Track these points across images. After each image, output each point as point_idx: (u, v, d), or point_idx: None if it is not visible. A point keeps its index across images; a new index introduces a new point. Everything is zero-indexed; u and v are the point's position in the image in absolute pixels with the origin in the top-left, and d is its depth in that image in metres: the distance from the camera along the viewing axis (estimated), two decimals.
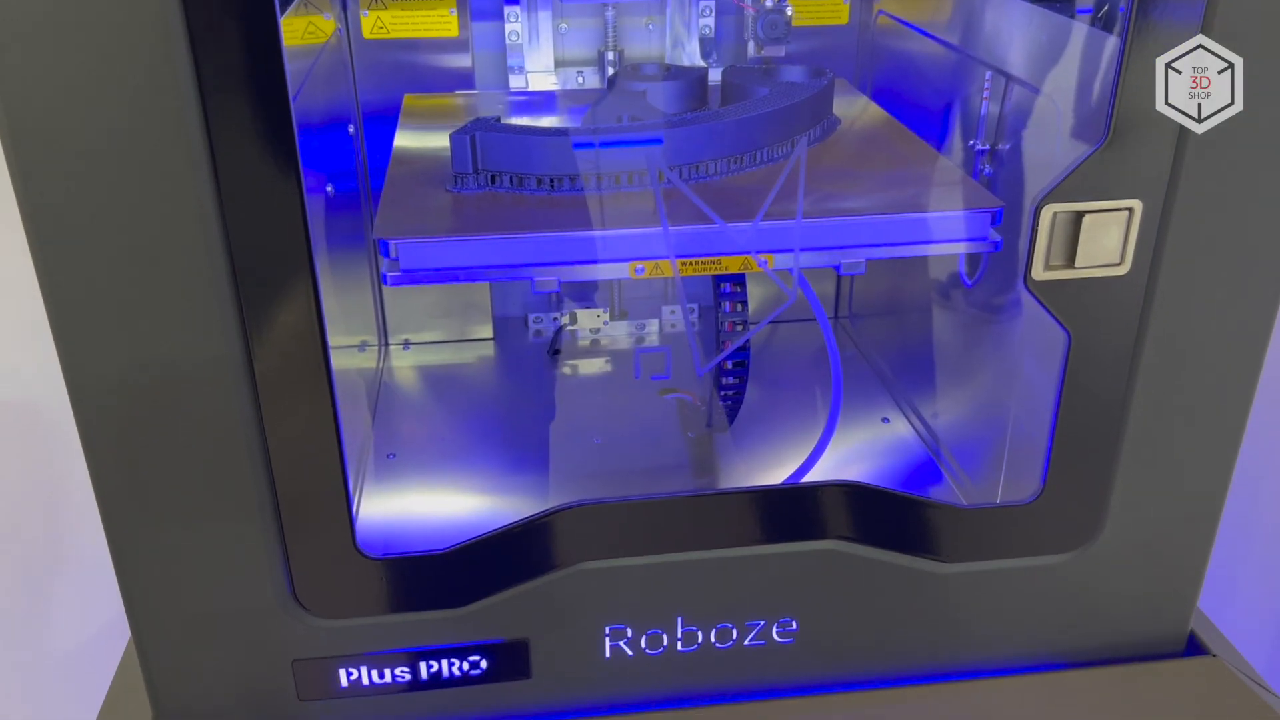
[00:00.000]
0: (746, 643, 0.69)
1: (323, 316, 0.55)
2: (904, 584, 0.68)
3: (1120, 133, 0.57)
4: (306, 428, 0.58)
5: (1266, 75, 0.56)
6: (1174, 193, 0.58)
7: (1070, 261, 0.59)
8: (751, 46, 0.95)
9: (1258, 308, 0.63)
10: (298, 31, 0.71)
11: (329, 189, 0.76)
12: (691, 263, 0.67)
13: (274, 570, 0.61)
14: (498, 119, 0.74)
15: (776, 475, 0.83)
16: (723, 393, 0.86)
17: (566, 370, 1.02)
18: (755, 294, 0.84)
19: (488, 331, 1.06)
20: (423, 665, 0.66)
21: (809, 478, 0.78)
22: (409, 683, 0.66)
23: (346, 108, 0.91)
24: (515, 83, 0.96)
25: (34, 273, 0.52)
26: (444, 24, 0.93)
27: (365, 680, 0.66)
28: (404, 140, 0.82)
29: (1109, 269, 0.60)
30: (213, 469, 0.58)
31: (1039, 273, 0.60)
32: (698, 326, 1.07)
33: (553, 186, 0.71)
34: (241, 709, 0.66)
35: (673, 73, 0.84)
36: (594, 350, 1.05)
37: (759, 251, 0.67)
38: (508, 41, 0.95)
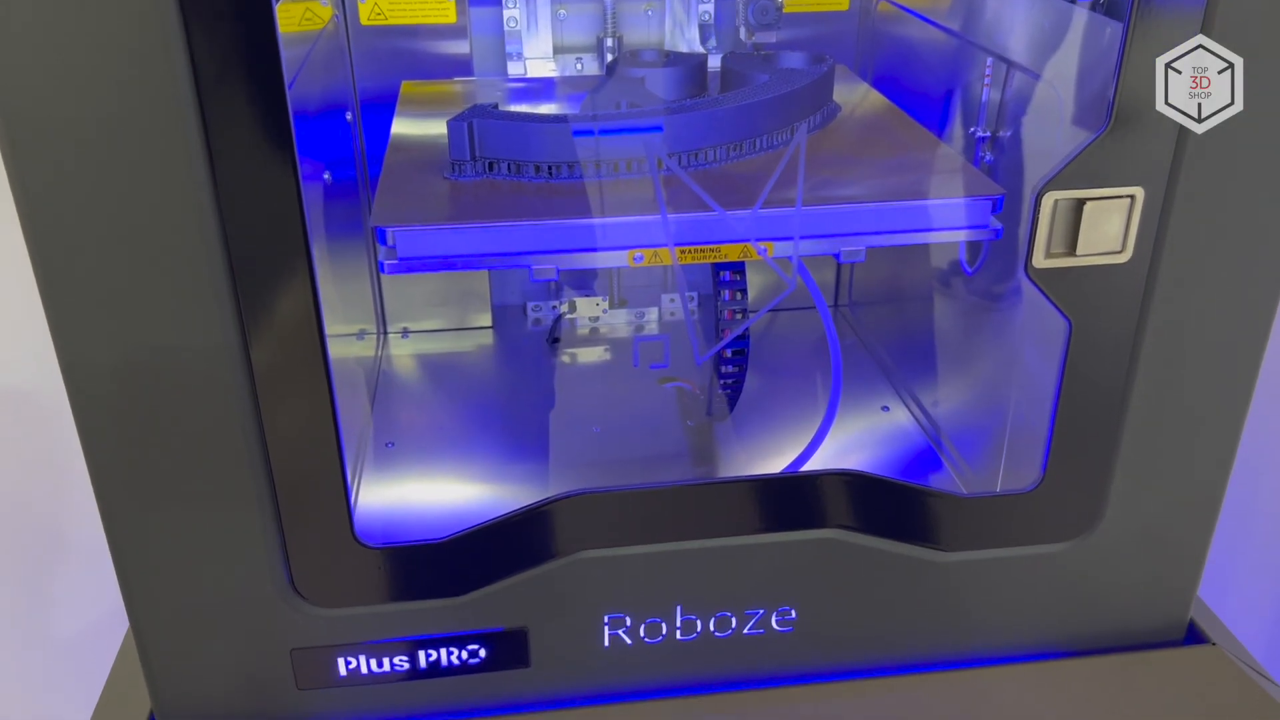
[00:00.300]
0: (746, 631, 0.69)
1: (320, 305, 0.55)
2: (903, 573, 0.68)
3: (1122, 119, 0.56)
4: (304, 417, 0.57)
5: (1268, 69, 0.55)
6: (1176, 180, 0.58)
7: (1071, 249, 0.59)
8: (742, 32, 0.94)
9: (1260, 296, 0.62)
10: (294, 18, 0.71)
11: (326, 176, 0.76)
12: (691, 250, 0.67)
13: (272, 559, 0.61)
14: (496, 106, 0.74)
15: (776, 464, 0.82)
16: (722, 381, 0.86)
17: (565, 359, 1.02)
18: (755, 282, 0.84)
19: (487, 320, 1.06)
20: (422, 654, 0.66)
21: (809, 466, 0.78)
22: (408, 672, 0.66)
23: (344, 95, 0.91)
24: (514, 69, 0.96)
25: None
26: (442, 10, 0.92)
27: (364, 669, 0.66)
28: (401, 127, 0.81)
29: (1110, 257, 0.60)
30: (210, 458, 0.58)
31: (1040, 260, 0.59)
32: (697, 315, 1.06)
33: (551, 174, 0.70)
34: (240, 698, 0.66)
35: (672, 59, 0.84)
36: (593, 338, 1.05)
37: (758, 239, 0.67)
38: (506, 28, 0.94)
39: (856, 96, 0.88)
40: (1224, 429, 0.66)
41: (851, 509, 0.67)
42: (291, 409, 0.57)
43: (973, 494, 0.77)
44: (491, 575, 0.64)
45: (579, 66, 0.98)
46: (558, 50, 0.96)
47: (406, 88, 0.91)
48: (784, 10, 0.93)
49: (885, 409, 0.94)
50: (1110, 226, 0.59)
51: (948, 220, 0.69)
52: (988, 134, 0.76)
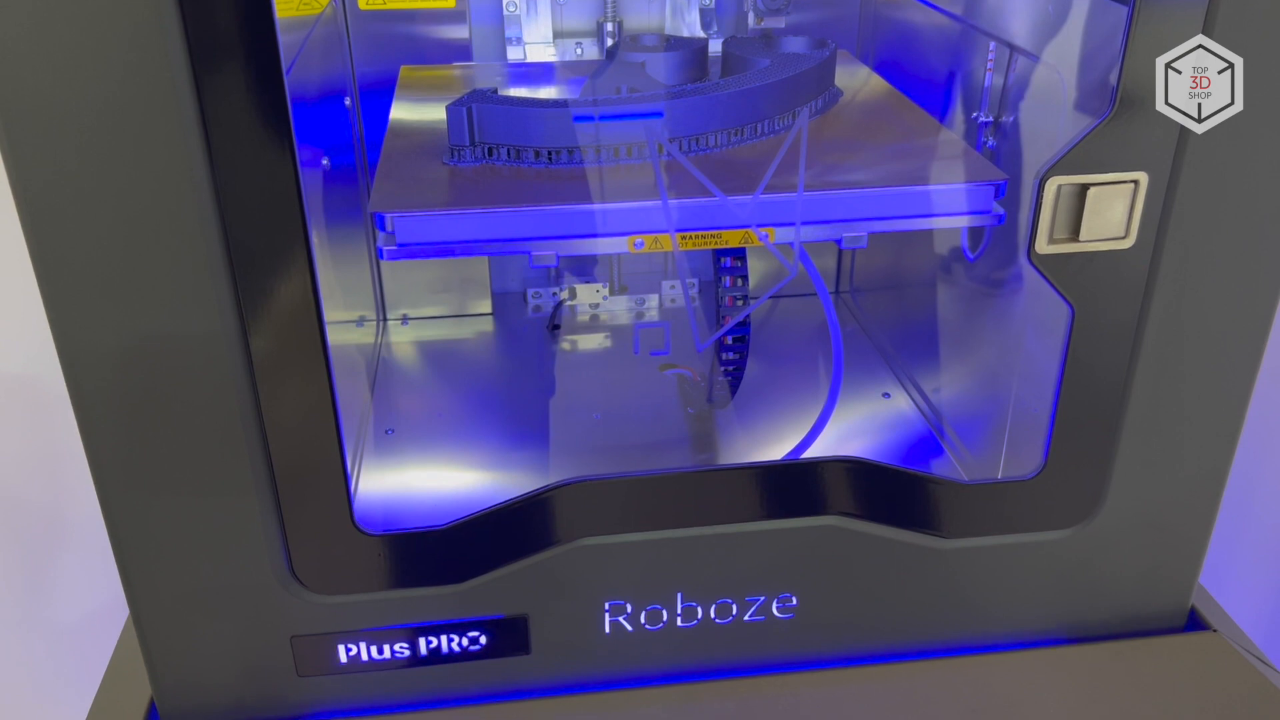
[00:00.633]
0: (746, 618, 0.69)
1: (318, 292, 0.55)
2: (904, 560, 0.68)
3: (1126, 104, 0.56)
4: (303, 404, 0.57)
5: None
6: (1180, 165, 0.58)
7: (1074, 235, 0.59)
8: (751, 18, 0.94)
9: (1263, 282, 0.62)
10: (292, 2, 0.70)
11: (325, 162, 0.76)
12: (691, 236, 0.67)
13: (272, 547, 0.61)
14: (495, 91, 0.74)
15: (777, 451, 0.82)
16: (723, 368, 0.86)
17: (566, 346, 1.02)
18: (756, 268, 0.83)
19: (486, 306, 1.06)
20: (422, 641, 0.66)
21: (810, 453, 0.77)
22: (408, 658, 0.66)
23: (342, 80, 0.90)
24: (513, 54, 0.95)
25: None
26: None
27: (364, 656, 0.66)
28: (400, 113, 0.81)
29: (1113, 242, 0.59)
30: (209, 445, 0.57)
31: (1043, 246, 0.59)
32: (698, 302, 1.06)
33: (551, 159, 0.70)
34: (240, 685, 0.66)
35: (672, 44, 0.83)
36: (593, 325, 1.05)
37: (760, 225, 0.67)
38: (505, 12, 0.94)
39: (858, 81, 0.88)
40: (1226, 416, 0.66)
41: (852, 496, 0.67)
42: (291, 396, 0.57)
43: (974, 481, 0.77)
44: (492, 562, 0.64)
45: (579, 51, 0.97)
46: (557, 35, 0.96)
47: (405, 73, 0.90)
48: None
49: (886, 396, 0.94)
50: (1114, 212, 0.58)
51: (950, 206, 0.68)
52: (990, 119, 0.76)
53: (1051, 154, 0.58)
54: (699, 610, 0.68)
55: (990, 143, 0.76)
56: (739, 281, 0.79)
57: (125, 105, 0.49)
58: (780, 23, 0.92)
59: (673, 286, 1.06)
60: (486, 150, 0.71)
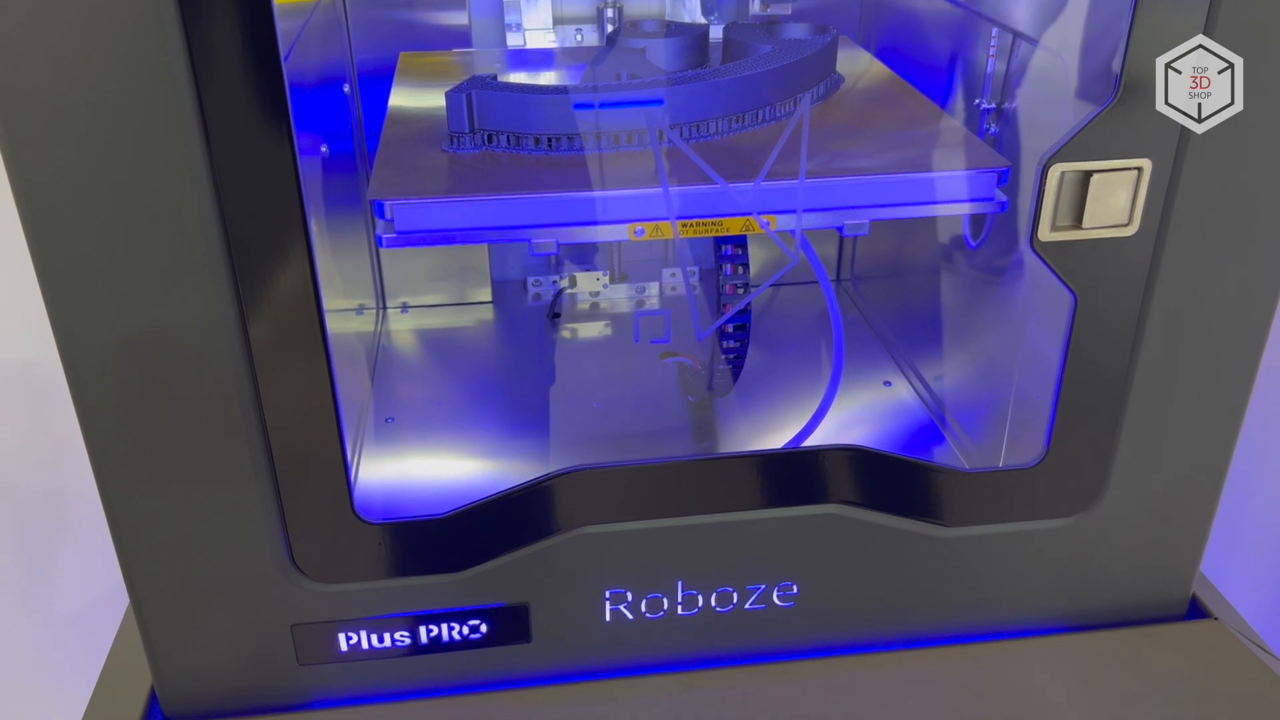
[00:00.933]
0: (747, 606, 0.69)
1: (317, 280, 0.55)
2: (905, 548, 0.68)
3: (1130, 90, 0.55)
4: (302, 393, 0.57)
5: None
6: (1184, 152, 0.57)
7: (1077, 222, 0.59)
8: (756, 3, 0.93)
9: (1266, 269, 0.62)
10: None
11: (324, 150, 0.75)
12: (692, 224, 0.66)
13: (272, 535, 0.61)
14: (494, 77, 0.73)
15: (778, 439, 0.82)
16: (723, 356, 0.85)
17: (566, 334, 1.01)
18: (757, 256, 0.83)
19: (486, 295, 1.06)
20: (422, 630, 0.66)
21: (810, 442, 0.77)
22: (409, 647, 0.66)
23: (341, 67, 0.90)
24: (513, 41, 0.94)
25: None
26: None
27: (365, 645, 0.66)
28: (399, 99, 0.81)
29: (1116, 230, 0.59)
30: (209, 435, 0.57)
31: (1045, 233, 0.59)
32: (698, 290, 1.06)
33: (551, 146, 0.69)
34: (241, 674, 0.66)
35: (673, 29, 0.83)
36: (594, 313, 1.04)
37: (761, 212, 0.66)
38: None
39: (860, 67, 0.87)
40: (1229, 404, 0.66)
41: (853, 484, 0.67)
42: (290, 384, 0.57)
43: (975, 469, 0.76)
44: (492, 551, 0.64)
45: (579, 38, 0.96)
46: (557, 21, 0.95)
47: (404, 59, 0.90)
48: None
49: (888, 384, 0.94)
50: (1117, 199, 0.58)
51: (952, 193, 0.68)
52: (993, 105, 0.75)
53: (1054, 141, 0.57)
54: (699, 599, 0.68)
55: (992, 129, 0.76)
56: (740, 269, 0.78)
57: (122, 93, 0.48)
58: (787, 9, 0.92)
59: (673, 274, 1.06)
60: (486, 137, 0.70)
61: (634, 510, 0.65)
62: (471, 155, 0.70)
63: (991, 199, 0.68)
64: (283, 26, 0.49)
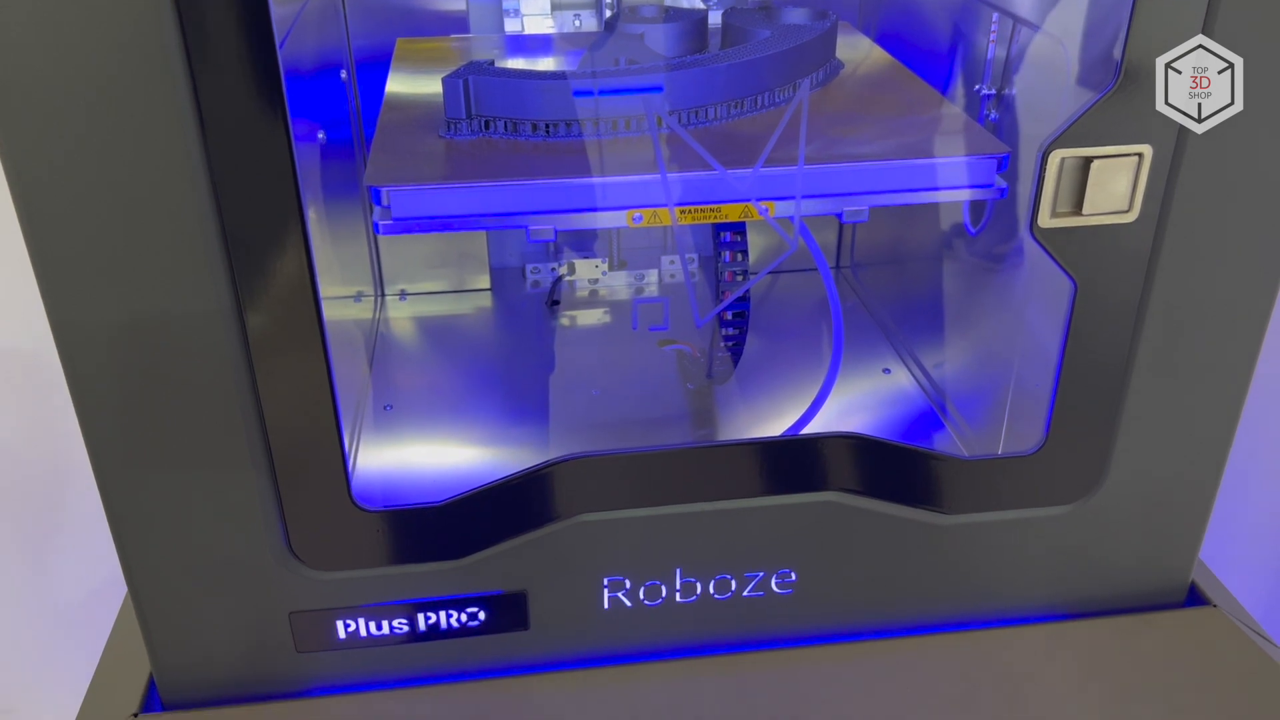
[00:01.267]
0: (745, 594, 0.69)
1: (314, 268, 0.54)
2: (904, 535, 0.68)
3: (1131, 76, 0.55)
4: (300, 380, 0.57)
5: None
6: (1185, 138, 0.57)
7: (1077, 208, 0.58)
8: None
9: (1267, 256, 0.62)
10: None
11: (320, 136, 0.75)
12: (691, 210, 0.66)
13: (269, 523, 0.61)
14: (492, 63, 0.73)
15: (777, 426, 0.82)
16: (723, 343, 0.85)
17: (565, 321, 1.01)
18: (756, 243, 0.83)
19: (485, 282, 1.05)
20: (421, 617, 0.66)
21: (809, 429, 0.77)
22: (407, 634, 0.66)
23: (338, 53, 0.89)
24: (510, 26, 0.94)
25: None
26: None
27: (363, 632, 0.66)
28: (396, 86, 0.80)
29: (1117, 216, 0.59)
30: (206, 423, 0.57)
31: (1045, 220, 0.59)
32: (697, 277, 1.06)
33: (548, 132, 0.69)
34: (239, 661, 0.66)
35: (672, 15, 0.82)
36: (592, 301, 1.04)
37: (760, 199, 0.66)
38: None
39: (859, 53, 0.87)
40: (1228, 391, 0.66)
41: (852, 471, 0.67)
42: (287, 372, 0.57)
43: (974, 456, 0.76)
44: (491, 538, 0.64)
45: (577, 23, 0.96)
46: (555, 6, 0.95)
47: (401, 45, 0.89)
48: None
49: (887, 371, 0.93)
50: (1117, 185, 0.58)
51: (952, 179, 0.68)
52: (993, 91, 0.75)
53: (1054, 127, 0.57)
54: (698, 586, 0.68)
55: (992, 115, 0.75)
56: (739, 256, 0.78)
57: (118, 80, 0.48)
58: None
59: (672, 261, 1.05)
60: (483, 123, 0.70)
61: (633, 498, 0.65)
62: (469, 141, 0.70)
63: (991, 185, 0.67)
64: (278, 12, 0.49)
